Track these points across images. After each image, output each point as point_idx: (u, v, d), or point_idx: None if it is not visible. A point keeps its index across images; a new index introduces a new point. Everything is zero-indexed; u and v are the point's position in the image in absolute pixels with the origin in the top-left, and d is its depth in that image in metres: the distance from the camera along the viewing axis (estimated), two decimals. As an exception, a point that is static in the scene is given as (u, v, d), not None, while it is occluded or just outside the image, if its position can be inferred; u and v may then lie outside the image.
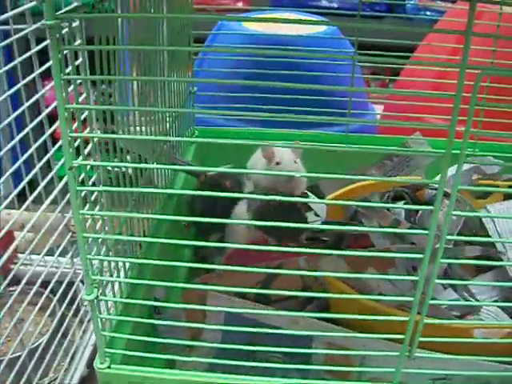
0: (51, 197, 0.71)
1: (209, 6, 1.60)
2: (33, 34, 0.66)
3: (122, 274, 0.53)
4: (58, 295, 0.77)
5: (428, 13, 2.21)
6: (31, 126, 0.68)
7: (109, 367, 0.47)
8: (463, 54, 0.31)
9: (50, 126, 0.70)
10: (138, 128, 0.58)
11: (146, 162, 0.62)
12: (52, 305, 0.77)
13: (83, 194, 0.40)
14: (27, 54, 0.66)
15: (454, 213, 0.36)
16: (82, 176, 0.41)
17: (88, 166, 0.41)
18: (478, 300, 0.57)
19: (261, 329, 0.44)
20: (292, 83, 0.35)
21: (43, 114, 0.70)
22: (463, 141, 0.33)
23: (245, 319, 0.53)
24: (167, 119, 0.73)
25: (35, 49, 0.66)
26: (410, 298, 0.38)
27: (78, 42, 0.54)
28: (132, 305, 0.53)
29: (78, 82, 0.39)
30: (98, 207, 0.47)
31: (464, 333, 0.49)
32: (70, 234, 0.79)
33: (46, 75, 0.61)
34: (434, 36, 1.00)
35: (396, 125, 0.84)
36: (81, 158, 0.41)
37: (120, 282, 0.54)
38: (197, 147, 0.91)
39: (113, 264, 0.51)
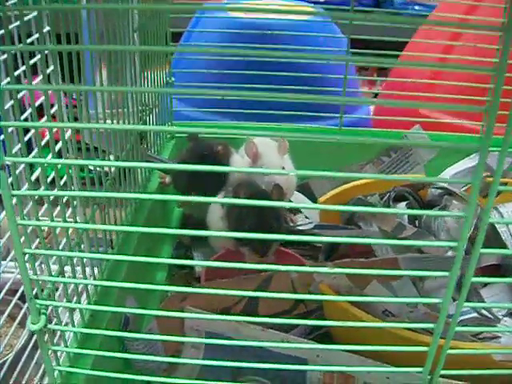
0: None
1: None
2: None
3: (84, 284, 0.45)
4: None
5: (416, 7, 2.16)
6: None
7: (64, 407, 0.39)
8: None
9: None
10: (102, 122, 0.49)
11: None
12: (21, 313, 0.72)
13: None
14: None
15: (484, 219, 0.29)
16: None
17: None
18: (496, 316, 0.50)
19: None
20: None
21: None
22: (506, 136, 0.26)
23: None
24: (139, 113, 0.65)
25: None
26: (431, 325, 0.31)
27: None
28: (96, 327, 0.45)
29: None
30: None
31: (484, 357, 0.42)
32: (38, 239, 0.72)
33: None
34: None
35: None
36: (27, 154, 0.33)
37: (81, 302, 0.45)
38: (176, 144, 0.83)
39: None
